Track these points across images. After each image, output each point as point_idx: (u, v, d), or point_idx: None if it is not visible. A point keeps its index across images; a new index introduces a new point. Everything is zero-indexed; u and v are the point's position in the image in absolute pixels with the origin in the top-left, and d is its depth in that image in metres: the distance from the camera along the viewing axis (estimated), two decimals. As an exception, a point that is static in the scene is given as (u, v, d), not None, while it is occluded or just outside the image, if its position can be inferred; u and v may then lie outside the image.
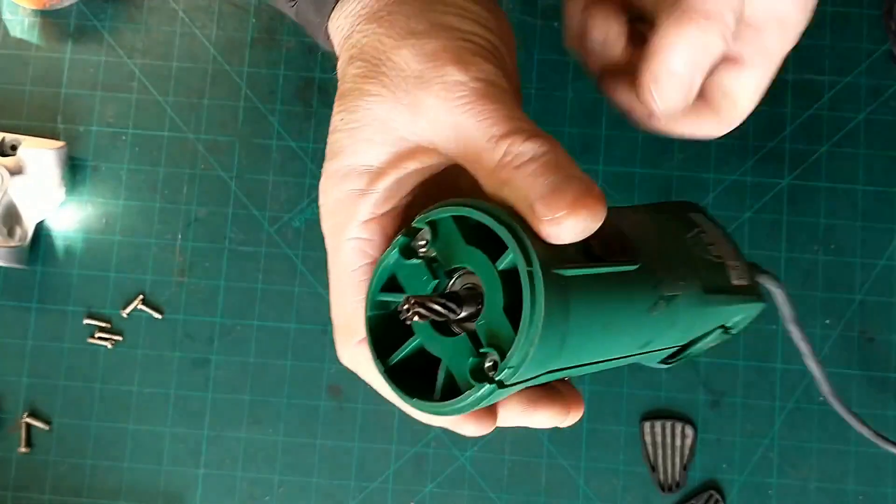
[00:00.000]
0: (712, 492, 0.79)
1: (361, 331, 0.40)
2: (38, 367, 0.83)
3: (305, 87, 0.85)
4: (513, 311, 0.35)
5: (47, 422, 0.83)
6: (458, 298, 0.37)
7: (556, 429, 0.80)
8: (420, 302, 0.36)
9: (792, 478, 0.79)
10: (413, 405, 0.38)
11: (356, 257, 0.40)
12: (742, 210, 0.82)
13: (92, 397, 0.83)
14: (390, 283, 0.39)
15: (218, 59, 0.86)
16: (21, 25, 0.87)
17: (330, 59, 0.85)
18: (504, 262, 0.35)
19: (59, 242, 0.84)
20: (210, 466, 0.82)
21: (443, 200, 0.38)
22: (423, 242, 0.38)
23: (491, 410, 0.40)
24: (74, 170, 0.85)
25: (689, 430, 0.79)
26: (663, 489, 0.80)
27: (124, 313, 0.83)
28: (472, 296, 0.37)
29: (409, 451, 0.81)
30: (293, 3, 0.44)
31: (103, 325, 0.83)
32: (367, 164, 0.39)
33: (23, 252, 0.82)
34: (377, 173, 0.39)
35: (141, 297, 0.83)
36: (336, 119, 0.40)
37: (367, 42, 0.40)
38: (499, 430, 0.41)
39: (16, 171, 0.81)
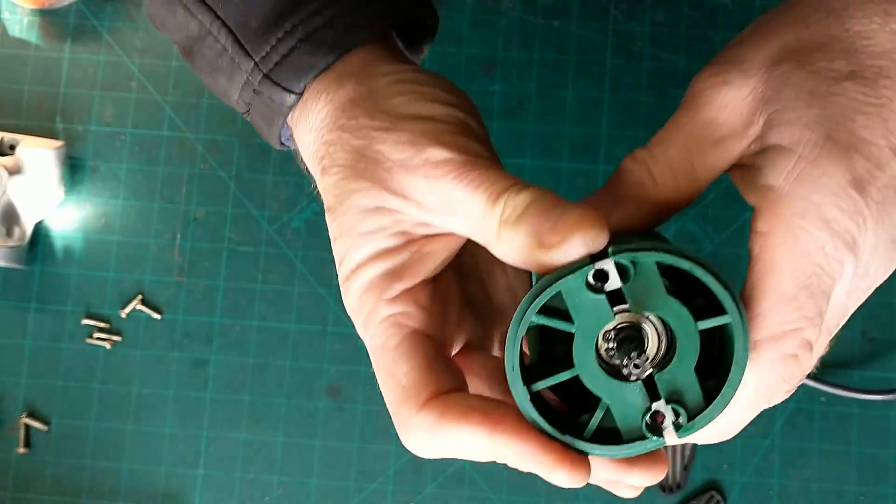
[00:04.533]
0: (713, 493, 0.79)
1: (425, 392, 0.38)
2: (36, 367, 0.83)
3: (305, 87, 0.85)
4: (699, 371, 0.36)
5: (46, 422, 0.82)
6: (641, 346, 0.36)
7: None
8: (642, 364, 0.35)
9: (793, 478, 0.79)
10: (565, 442, 0.36)
11: (393, 332, 0.39)
12: (744, 209, 0.81)
13: (91, 398, 0.83)
14: (547, 306, 0.36)
15: (217, 59, 0.86)
16: (20, 25, 0.87)
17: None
18: (709, 324, 0.35)
19: (58, 242, 0.84)
20: (209, 467, 0.82)
21: (636, 235, 0.37)
22: (612, 275, 0.35)
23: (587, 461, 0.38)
24: (73, 169, 0.85)
25: (689, 431, 0.79)
26: (664, 490, 0.79)
27: (123, 313, 0.83)
28: (638, 340, 0.36)
29: (409, 451, 0.81)
30: (246, 114, 0.44)
31: (102, 325, 0.83)
32: (374, 250, 0.39)
33: (21, 252, 0.82)
34: (387, 253, 0.39)
35: (140, 297, 0.83)
36: (332, 229, 0.40)
37: (337, 149, 0.40)
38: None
39: (14, 171, 0.81)
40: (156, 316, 0.83)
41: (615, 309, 0.35)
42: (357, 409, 0.82)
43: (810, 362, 0.38)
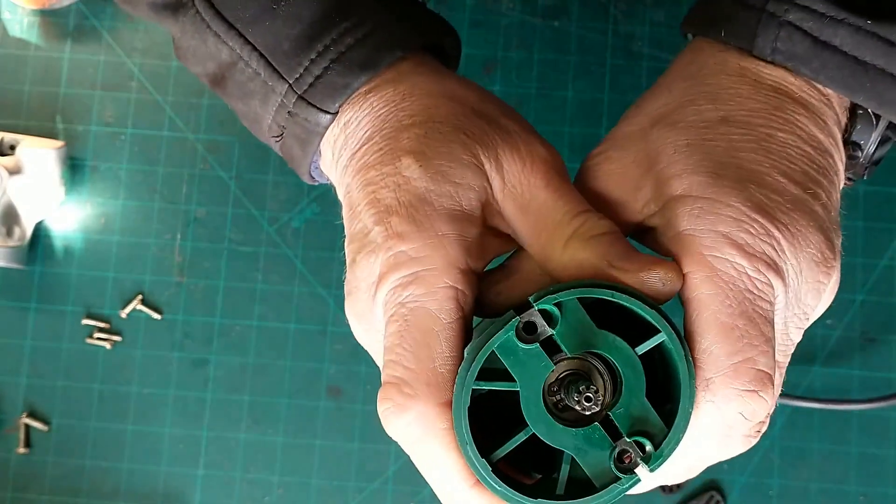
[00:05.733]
0: (713, 493, 0.79)
1: (446, 392, 0.36)
2: (36, 367, 0.83)
3: (305, 87, 0.85)
4: (652, 399, 0.35)
5: (46, 422, 0.82)
6: (590, 385, 0.35)
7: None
8: (594, 398, 0.34)
9: (793, 479, 0.79)
10: None
11: (452, 308, 0.37)
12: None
13: (91, 398, 0.83)
14: (486, 369, 0.36)
15: (217, 59, 0.86)
16: (20, 25, 0.87)
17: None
18: (646, 346, 0.35)
19: (58, 242, 0.84)
20: (209, 467, 0.82)
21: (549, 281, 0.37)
22: (540, 325, 0.35)
23: None
24: (73, 169, 0.85)
25: (689, 431, 0.79)
26: (664, 490, 0.79)
27: (123, 313, 0.83)
28: (584, 378, 0.35)
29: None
30: (278, 139, 0.44)
31: (102, 325, 0.83)
32: (458, 205, 0.38)
33: (21, 252, 0.82)
34: (469, 218, 0.38)
35: (140, 297, 0.83)
36: (412, 169, 0.38)
37: (433, 112, 0.39)
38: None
39: (15, 171, 0.81)
40: (156, 316, 0.83)
41: (555, 358, 0.35)
42: (357, 409, 0.82)
43: (772, 399, 0.36)
